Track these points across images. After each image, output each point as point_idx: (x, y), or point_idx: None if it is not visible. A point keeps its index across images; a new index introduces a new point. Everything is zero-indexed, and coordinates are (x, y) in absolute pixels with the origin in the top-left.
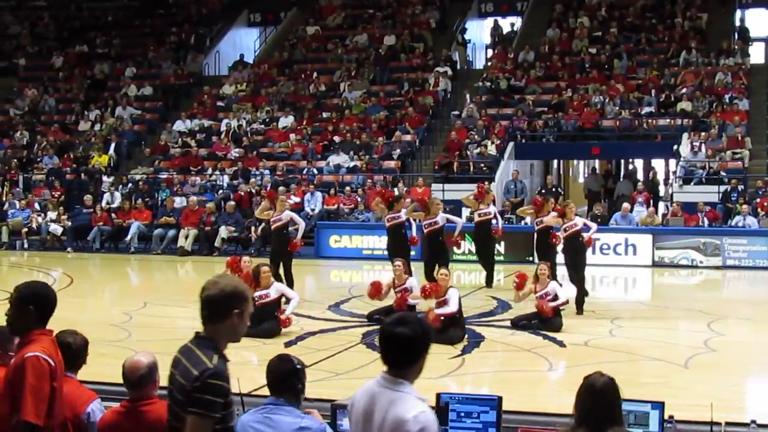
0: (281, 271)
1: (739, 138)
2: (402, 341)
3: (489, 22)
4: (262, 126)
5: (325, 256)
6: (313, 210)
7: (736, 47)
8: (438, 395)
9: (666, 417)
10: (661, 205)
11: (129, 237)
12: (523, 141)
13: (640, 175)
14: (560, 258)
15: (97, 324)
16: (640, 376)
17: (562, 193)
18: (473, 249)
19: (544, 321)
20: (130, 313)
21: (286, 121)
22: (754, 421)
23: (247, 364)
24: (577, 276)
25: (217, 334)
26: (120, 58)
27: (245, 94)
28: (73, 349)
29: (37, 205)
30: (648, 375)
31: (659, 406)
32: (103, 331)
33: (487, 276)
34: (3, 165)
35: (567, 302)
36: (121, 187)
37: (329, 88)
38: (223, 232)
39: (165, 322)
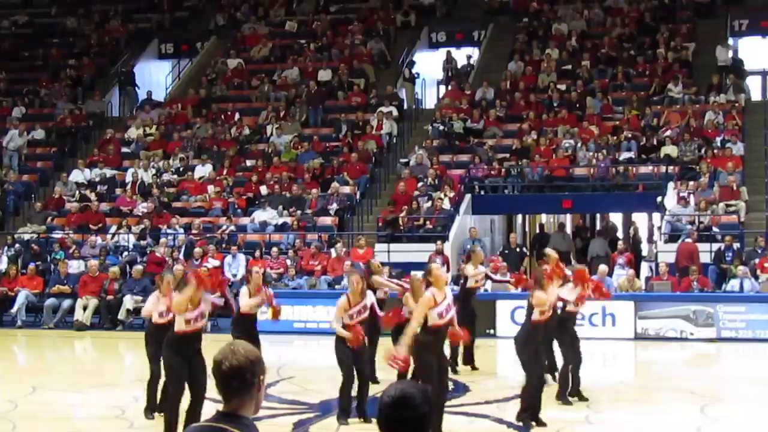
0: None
1: (734, 188)
2: (412, 423)
3: (441, 54)
4: (175, 176)
5: None
6: (234, 276)
7: (728, 82)
8: None
9: None
10: (644, 266)
11: (15, 308)
12: (482, 193)
13: (619, 233)
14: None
15: None
16: None
17: (528, 254)
18: None
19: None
20: (15, 401)
21: (204, 170)
22: None
23: None
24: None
25: (244, 406)
26: (5, 95)
27: (155, 139)
28: None
29: None
30: None
31: None
32: None
33: None
34: None
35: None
36: (6, 248)
37: (254, 132)
38: (129, 302)
39: (58, 411)
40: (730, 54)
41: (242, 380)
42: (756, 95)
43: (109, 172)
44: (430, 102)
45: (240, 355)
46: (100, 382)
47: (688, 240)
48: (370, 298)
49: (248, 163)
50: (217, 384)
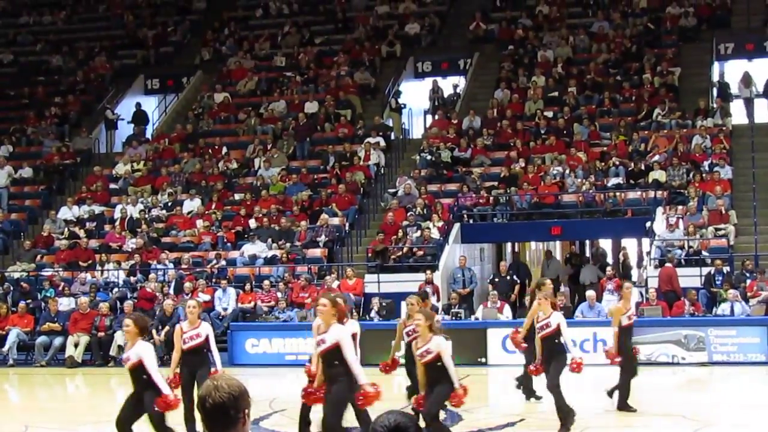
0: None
1: (723, 212)
2: None
3: (427, 83)
4: (164, 211)
5: (241, 364)
6: (225, 309)
7: (715, 106)
8: None
9: None
10: (635, 291)
11: (6, 347)
12: (471, 221)
13: (609, 258)
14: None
15: None
16: None
17: (519, 282)
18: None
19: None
20: None
21: (192, 204)
22: None
23: None
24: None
25: None
26: None
27: (142, 174)
28: None
29: None
30: None
31: None
32: None
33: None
34: None
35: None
36: None
37: (242, 165)
38: (120, 338)
39: None
40: (756, 89)
41: (227, 416)
42: (742, 118)
43: (97, 209)
44: (417, 132)
45: (223, 391)
46: (93, 419)
47: (669, 264)
48: None
49: (236, 196)
50: (203, 420)
